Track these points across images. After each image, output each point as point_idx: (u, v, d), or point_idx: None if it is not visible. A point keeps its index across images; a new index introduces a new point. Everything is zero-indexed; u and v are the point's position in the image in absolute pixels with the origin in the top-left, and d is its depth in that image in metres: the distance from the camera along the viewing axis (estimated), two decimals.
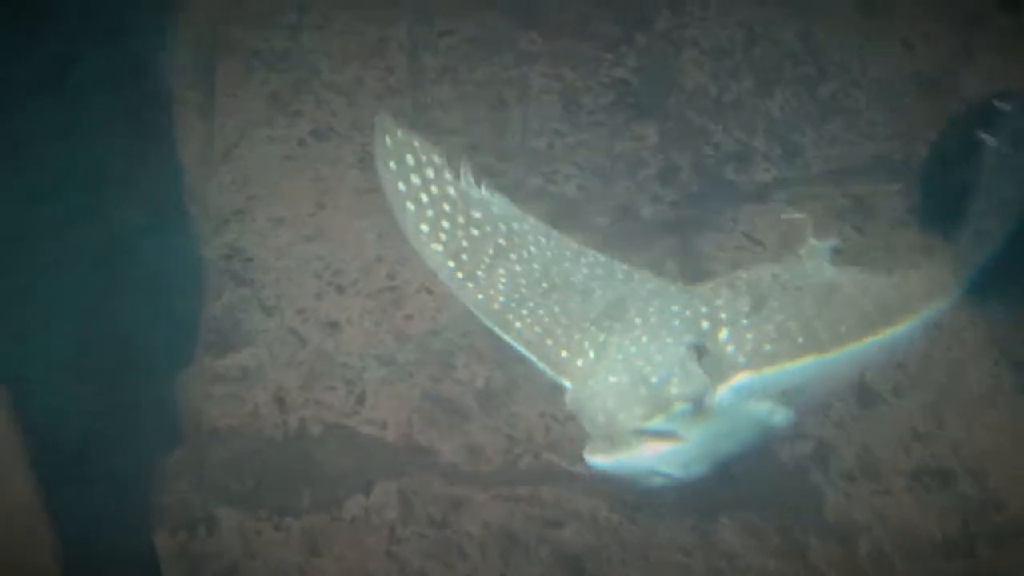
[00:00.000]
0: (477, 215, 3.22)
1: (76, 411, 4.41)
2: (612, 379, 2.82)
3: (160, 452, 3.91)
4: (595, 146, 4.63)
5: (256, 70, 4.82)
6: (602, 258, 3.27)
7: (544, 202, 4.42)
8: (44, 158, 4.85)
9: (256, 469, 3.80)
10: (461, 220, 3.20)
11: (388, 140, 3.27)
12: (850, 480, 3.63)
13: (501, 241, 3.19)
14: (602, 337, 2.95)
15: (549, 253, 3.22)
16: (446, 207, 3.21)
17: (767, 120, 4.68)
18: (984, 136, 3.17)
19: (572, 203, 4.47)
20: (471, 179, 3.26)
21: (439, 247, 3.16)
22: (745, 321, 2.97)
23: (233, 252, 4.41)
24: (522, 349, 3.03)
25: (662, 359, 2.84)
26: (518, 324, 3.06)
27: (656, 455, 2.77)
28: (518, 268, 3.16)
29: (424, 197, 3.22)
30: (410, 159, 3.26)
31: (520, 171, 4.55)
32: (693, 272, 4.20)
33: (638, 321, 2.99)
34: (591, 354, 2.92)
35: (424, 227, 3.19)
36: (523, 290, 3.12)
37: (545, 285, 3.14)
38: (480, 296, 3.11)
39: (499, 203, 3.28)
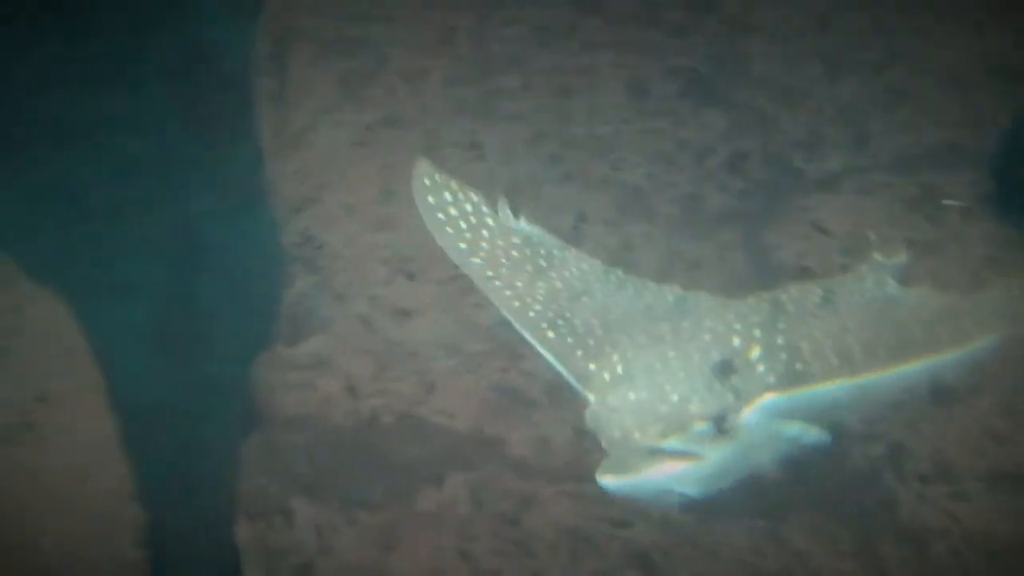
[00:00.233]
0: (516, 241, 3.21)
1: (152, 384, 4.41)
2: (632, 395, 2.74)
3: (235, 437, 3.87)
4: (662, 134, 4.52)
5: (326, 58, 4.76)
6: (648, 283, 3.17)
7: (610, 191, 4.34)
8: (120, 142, 4.83)
9: (328, 458, 3.76)
10: (500, 243, 3.19)
11: (427, 181, 3.31)
12: (924, 482, 3.51)
13: (541, 262, 3.16)
14: (631, 352, 2.86)
15: (590, 275, 3.15)
16: (485, 233, 3.22)
17: (836, 107, 4.55)
18: None
19: (638, 192, 4.38)
20: (509, 213, 3.25)
21: (478, 260, 3.15)
22: (780, 340, 2.86)
23: (304, 239, 4.36)
24: (552, 359, 2.97)
25: (686, 376, 2.75)
26: (551, 333, 2.99)
27: (671, 476, 2.68)
28: (558, 284, 3.10)
29: (463, 224, 3.24)
30: (448, 195, 3.28)
31: (585, 159, 4.45)
32: (760, 263, 4.09)
33: (668, 336, 2.90)
34: (619, 368, 2.83)
35: (463, 245, 3.20)
36: (561, 302, 3.05)
37: (585, 299, 3.06)
38: (516, 303, 3.06)
39: (538, 234, 3.24)
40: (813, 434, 2.81)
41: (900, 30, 4.74)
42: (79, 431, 3.96)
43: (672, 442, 2.67)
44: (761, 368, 2.79)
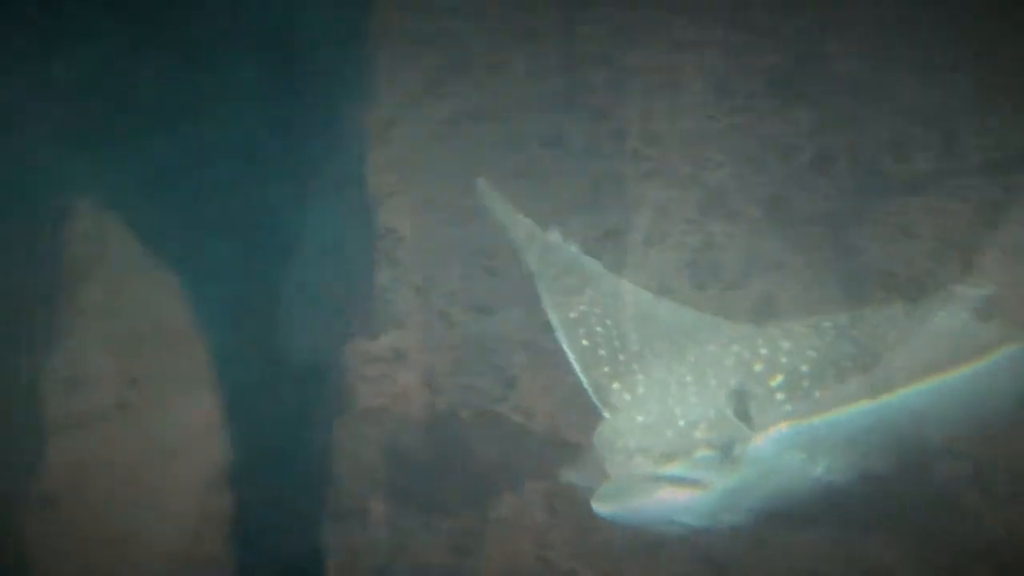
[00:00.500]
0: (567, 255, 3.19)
1: (237, 371, 4.37)
2: (640, 418, 2.63)
3: (318, 429, 3.83)
4: (746, 132, 4.40)
5: (413, 51, 4.69)
6: (687, 309, 3.12)
7: (694, 190, 4.22)
8: (209, 127, 4.77)
9: (405, 454, 3.71)
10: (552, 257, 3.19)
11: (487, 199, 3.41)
12: (1009, 501, 3.37)
13: (589, 275, 3.13)
14: (654, 374, 2.75)
15: (635, 300, 3.09)
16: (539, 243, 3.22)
17: (923, 107, 4.39)
18: None
19: (721, 190, 4.26)
20: (559, 237, 3.27)
21: (533, 258, 3.16)
22: (806, 367, 2.70)
23: (386, 232, 4.29)
24: (578, 371, 2.89)
25: (698, 401, 2.62)
26: (585, 341, 2.92)
27: (671, 504, 2.56)
28: (602, 300, 3.04)
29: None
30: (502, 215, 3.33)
31: (669, 157, 4.34)
32: (844, 266, 3.96)
33: (690, 359, 2.78)
34: (640, 389, 2.73)
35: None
36: (599, 310, 2.99)
37: (630, 314, 2.99)
38: (560, 298, 3.02)
39: (589, 262, 3.22)
40: (831, 467, 2.64)
41: (988, 30, 4.56)
42: (169, 414, 3.93)
43: (675, 468, 2.55)
44: (780, 396, 2.64)
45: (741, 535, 3.24)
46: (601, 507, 2.56)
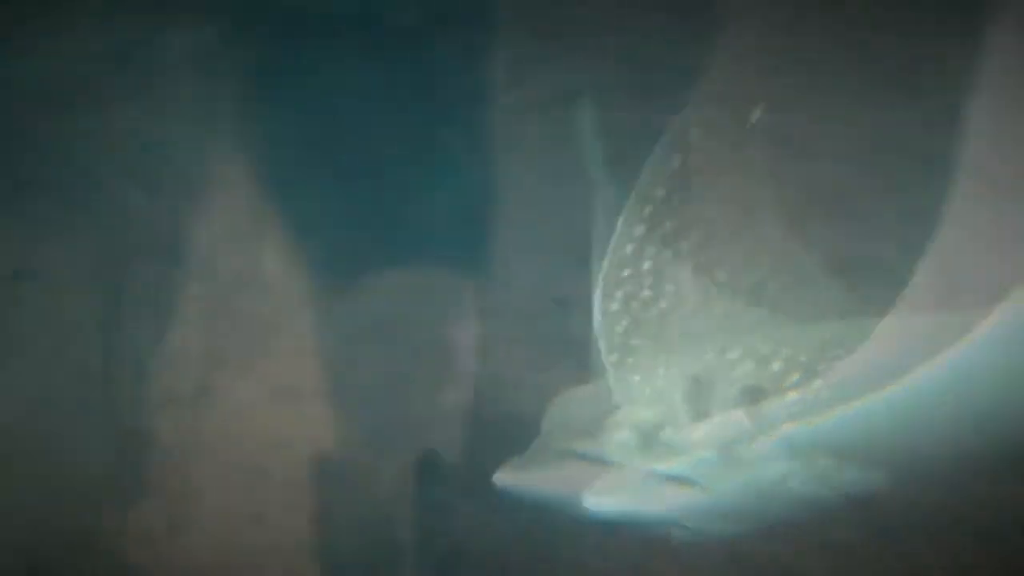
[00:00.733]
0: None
1: None
2: (588, 392, 2.48)
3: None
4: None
5: None
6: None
7: None
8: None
9: None
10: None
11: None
12: None
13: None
14: (676, 370, 2.49)
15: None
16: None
17: None
18: None
19: None
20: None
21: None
22: (823, 366, 2.41)
23: None
24: (604, 356, 2.62)
25: (651, 380, 2.43)
26: (620, 327, 2.67)
27: (667, 503, 2.35)
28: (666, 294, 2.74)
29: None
30: None
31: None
32: None
33: (710, 357, 2.52)
34: (660, 384, 2.48)
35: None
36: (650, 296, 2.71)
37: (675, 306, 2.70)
38: (622, 272, 2.74)
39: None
40: (851, 473, 2.34)
41: None
42: (254, 397, 3.85)
43: (672, 467, 2.34)
44: (792, 396, 2.36)
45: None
46: (501, 478, 2.38)
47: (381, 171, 4.12)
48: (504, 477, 2.36)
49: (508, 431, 2.80)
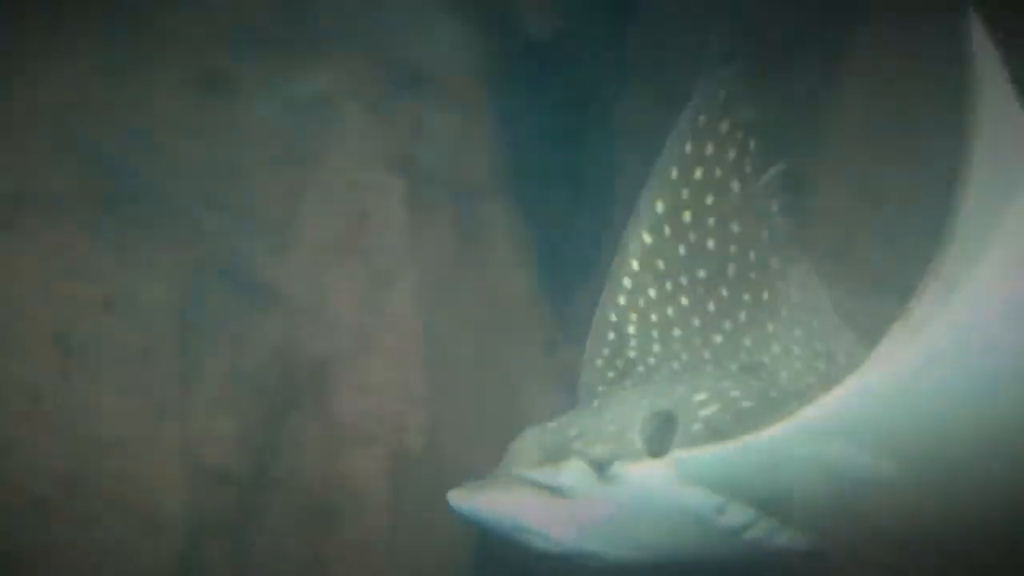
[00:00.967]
0: (739, 216, 2.70)
1: None
2: (551, 424, 2.39)
3: None
4: None
5: None
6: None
7: None
8: None
9: None
10: (710, 203, 2.69)
11: (722, 92, 2.69)
12: None
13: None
14: (643, 410, 2.39)
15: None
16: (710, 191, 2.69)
17: None
18: None
19: None
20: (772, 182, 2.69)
21: (661, 205, 2.68)
22: (736, 392, 2.35)
23: None
24: (581, 396, 2.61)
25: (612, 418, 2.34)
26: (632, 329, 2.65)
27: (526, 509, 2.27)
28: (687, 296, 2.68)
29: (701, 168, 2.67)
30: (726, 126, 2.69)
31: None
32: None
33: (657, 378, 2.53)
34: (596, 403, 2.47)
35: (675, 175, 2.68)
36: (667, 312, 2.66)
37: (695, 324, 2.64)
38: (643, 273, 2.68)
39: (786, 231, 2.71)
40: (739, 513, 2.25)
41: None
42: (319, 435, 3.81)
43: (541, 473, 2.29)
44: (697, 426, 2.29)
45: None
46: (454, 500, 2.31)
47: None
48: (458, 496, 2.31)
49: None
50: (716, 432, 2.26)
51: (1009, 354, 1.99)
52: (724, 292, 2.65)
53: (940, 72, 2.73)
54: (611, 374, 2.66)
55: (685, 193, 2.67)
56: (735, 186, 2.67)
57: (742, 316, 2.65)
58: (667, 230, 2.68)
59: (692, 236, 2.68)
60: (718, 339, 2.61)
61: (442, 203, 4.04)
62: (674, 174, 2.67)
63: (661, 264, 2.67)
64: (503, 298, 3.96)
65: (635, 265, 2.69)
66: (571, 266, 3.96)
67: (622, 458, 2.28)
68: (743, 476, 2.23)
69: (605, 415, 2.38)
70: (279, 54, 4.16)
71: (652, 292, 2.68)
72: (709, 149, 2.66)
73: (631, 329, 2.68)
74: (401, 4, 4.14)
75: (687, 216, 2.68)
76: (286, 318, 3.94)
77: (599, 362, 2.68)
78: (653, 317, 2.67)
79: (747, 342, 2.61)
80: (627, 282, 2.70)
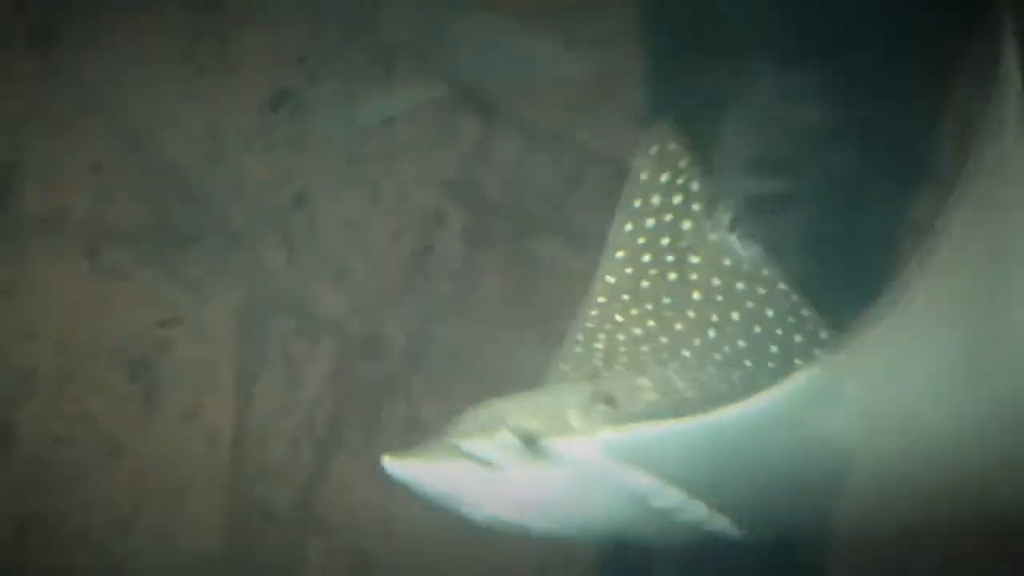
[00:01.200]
0: (698, 256, 2.75)
1: None
2: (496, 400, 2.39)
3: None
4: None
5: None
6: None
7: None
8: None
9: None
10: (666, 244, 2.75)
11: (655, 151, 2.83)
12: None
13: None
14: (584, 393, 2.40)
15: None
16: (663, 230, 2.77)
17: None
18: None
19: None
20: (724, 223, 2.74)
21: (621, 254, 2.76)
22: (681, 384, 2.39)
23: None
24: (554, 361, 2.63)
25: (554, 396, 2.36)
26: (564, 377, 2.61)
27: (454, 477, 2.28)
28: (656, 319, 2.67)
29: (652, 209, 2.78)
30: (667, 177, 2.81)
31: None
32: None
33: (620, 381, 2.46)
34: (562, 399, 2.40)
35: (629, 226, 2.79)
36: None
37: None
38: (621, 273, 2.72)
39: (748, 256, 2.74)
40: (677, 501, 2.25)
41: None
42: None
43: (474, 444, 2.29)
44: (633, 409, 2.30)
45: None
46: (387, 463, 2.32)
47: None
48: (391, 461, 2.33)
49: None
50: (649, 416, 2.27)
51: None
52: (691, 314, 2.66)
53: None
54: (574, 375, 2.66)
55: (641, 240, 2.76)
56: (686, 225, 2.75)
57: (711, 333, 2.63)
58: (628, 271, 2.75)
59: (653, 271, 2.73)
60: (686, 354, 2.59)
61: (500, 237, 3.89)
62: (628, 227, 2.77)
63: (626, 296, 2.73)
64: (555, 338, 3.77)
65: (601, 299, 2.75)
66: None
67: (552, 434, 2.28)
68: (671, 460, 2.23)
69: (547, 395, 2.41)
70: (347, 76, 4.08)
71: (619, 317, 2.70)
72: (655, 200, 2.77)
73: (598, 345, 2.70)
74: (471, 27, 3.97)
75: (646, 257, 2.75)
76: (340, 351, 3.89)
77: (563, 367, 2.69)
78: (620, 336, 2.69)
79: (717, 357, 2.60)
80: (593, 312, 2.75)
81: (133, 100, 4.09)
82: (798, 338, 2.62)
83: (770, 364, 2.55)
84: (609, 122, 3.86)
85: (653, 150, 2.79)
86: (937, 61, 3.12)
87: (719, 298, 2.64)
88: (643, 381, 2.42)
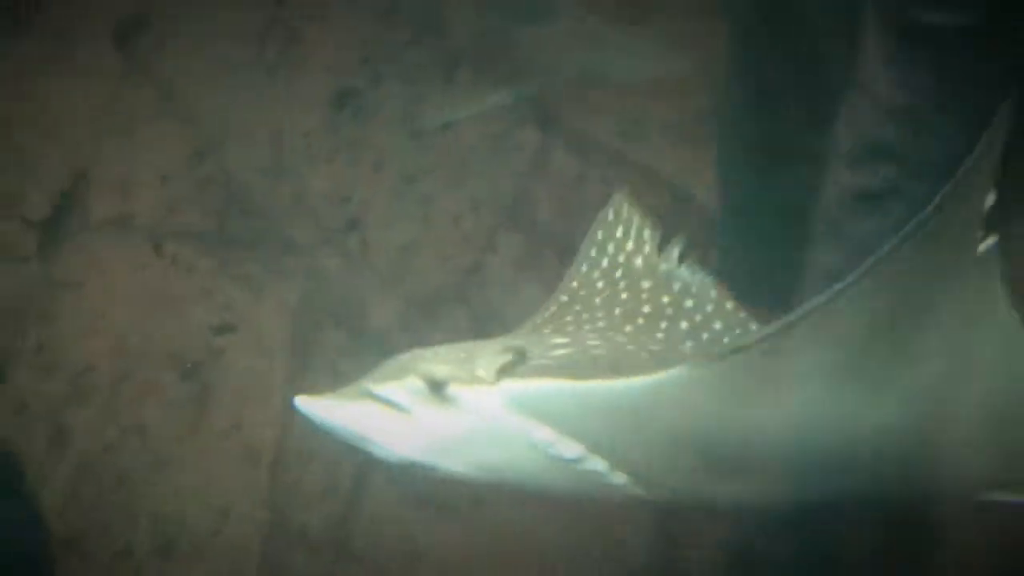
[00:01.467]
0: (647, 284, 2.81)
1: None
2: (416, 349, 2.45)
3: None
4: None
5: None
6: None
7: None
8: None
9: None
10: (622, 284, 2.81)
11: (612, 215, 2.92)
12: None
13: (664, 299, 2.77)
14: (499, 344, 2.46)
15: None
16: (617, 273, 2.84)
17: None
18: None
19: None
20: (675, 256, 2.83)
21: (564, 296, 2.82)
22: (595, 342, 2.47)
23: None
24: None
25: (470, 347, 2.40)
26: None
27: (363, 417, 2.33)
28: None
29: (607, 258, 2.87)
30: (621, 231, 2.90)
31: None
32: None
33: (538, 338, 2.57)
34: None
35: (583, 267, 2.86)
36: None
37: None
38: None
39: (698, 282, 2.79)
40: (571, 450, 2.27)
41: None
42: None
43: (385, 389, 2.34)
44: (541, 363, 2.33)
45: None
46: (299, 401, 2.38)
47: None
48: (304, 401, 2.39)
49: None
50: (555, 370, 2.30)
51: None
52: (640, 321, 2.73)
53: None
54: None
55: (596, 275, 2.85)
56: (639, 262, 2.84)
57: (659, 335, 2.69)
58: (582, 292, 2.83)
59: (607, 292, 2.81)
60: (630, 347, 2.61)
61: (548, 259, 3.65)
62: (584, 268, 2.87)
63: (578, 307, 2.80)
64: None
65: (552, 309, 2.83)
66: None
67: (458, 380, 2.32)
68: (569, 415, 2.27)
69: (463, 346, 2.45)
70: (410, 79, 3.91)
71: (569, 318, 2.77)
72: (610, 248, 2.88)
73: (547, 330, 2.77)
74: (538, 37, 3.74)
75: (600, 284, 2.83)
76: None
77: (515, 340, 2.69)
78: (569, 329, 2.74)
79: (636, 333, 2.68)
80: (545, 315, 2.82)
81: (205, 102, 4.07)
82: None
83: (681, 348, 2.61)
84: (664, 140, 3.58)
85: (610, 215, 2.87)
86: None
87: (668, 311, 2.73)
88: (559, 339, 2.47)
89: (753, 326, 2.66)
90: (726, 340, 2.62)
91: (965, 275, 2.11)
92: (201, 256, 3.95)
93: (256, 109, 4.03)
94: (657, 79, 3.59)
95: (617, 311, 2.73)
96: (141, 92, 4.14)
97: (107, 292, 3.94)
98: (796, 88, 3.05)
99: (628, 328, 2.67)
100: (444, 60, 3.86)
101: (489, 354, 2.33)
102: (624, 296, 2.77)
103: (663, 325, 2.68)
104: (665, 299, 2.74)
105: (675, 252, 2.80)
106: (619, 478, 2.31)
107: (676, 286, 2.77)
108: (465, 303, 3.73)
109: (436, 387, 2.31)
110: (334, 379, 3.67)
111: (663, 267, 2.81)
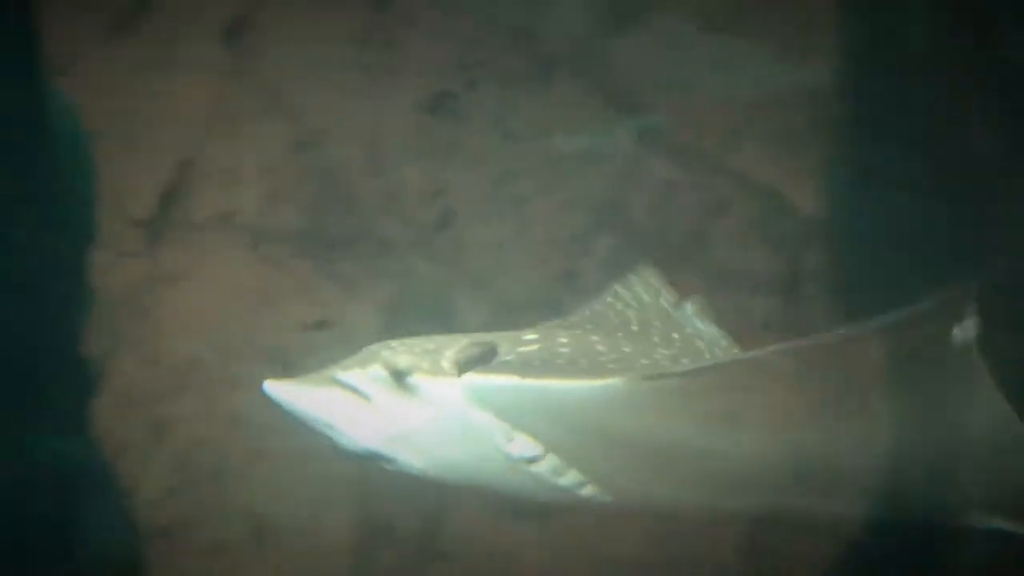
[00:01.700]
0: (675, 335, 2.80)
1: None
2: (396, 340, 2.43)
3: None
4: None
5: None
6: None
7: None
8: None
9: None
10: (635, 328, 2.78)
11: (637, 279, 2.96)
12: None
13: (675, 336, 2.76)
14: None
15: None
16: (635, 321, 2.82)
17: None
18: None
19: None
20: (690, 313, 2.84)
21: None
22: (565, 340, 2.43)
23: None
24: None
25: (440, 340, 2.39)
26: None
27: (326, 402, 2.36)
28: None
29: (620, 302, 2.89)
30: (642, 290, 2.94)
31: None
32: None
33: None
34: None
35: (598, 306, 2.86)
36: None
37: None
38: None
39: (712, 335, 2.79)
40: (524, 446, 2.28)
41: None
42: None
43: (349, 375, 2.36)
44: (507, 359, 2.32)
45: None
46: (267, 385, 2.40)
47: None
48: (271, 385, 2.41)
49: None
50: (517, 367, 2.29)
51: None
52: (638, 340, 2.73)
53: None
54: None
55: (611, 312, 2.87)
56: (652, 312, 2.85)
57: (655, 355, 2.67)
58: (588, 325, 2.81)
59: (616, 320, 2.82)
60: (600, 348, 2.60)
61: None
62: (597, 306, 2.90)
63: (590, 324, 2.82)
64: None
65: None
66: None
67: (421, 370, 2.32)
68: (525, 412, 2.27)
69: (436, 338, 2.45)
70: (506, 82, 3.88)
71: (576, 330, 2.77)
72: (626, 295, 2.92)
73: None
74: (633, 39, 3.68)
75: (611, 317, 2.84)
76: None
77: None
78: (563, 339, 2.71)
79: (606, 347, 2.64)
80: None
81: (307, 99, 4.07)
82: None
83: (643, 361, 2.58)
84: (762, 150, 3.50)
85: (635, 281, 2.92)
86: None
87: (675, 335, 2.73)
88: (530, 335, 2.46)
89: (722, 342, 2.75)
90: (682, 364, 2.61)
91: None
92: (298, 254, 3.98)
93: (355, 109, 4.04)
94: (757, 91, 3.52)
95: (617, 330, 2.74)
96: (245, 90, 4.17)
97: (208, 288, 3.99)
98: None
99: (619, 334, 2.69)
100: (540, 65, 3.82)
101: (457, 347, 2.33)
102: (634, 328, 2.76)
103: (657, 342, 2.69)
104: (676, 335, 2.75)
105: (690, 307, 2.83)
106: (572, 478, 2.31)
107: (686, 330, 2.78)
108: (556, 308, 3.70)
109: (398, 376, 2.31)
110: None
111: (674, 314, 2.83)
